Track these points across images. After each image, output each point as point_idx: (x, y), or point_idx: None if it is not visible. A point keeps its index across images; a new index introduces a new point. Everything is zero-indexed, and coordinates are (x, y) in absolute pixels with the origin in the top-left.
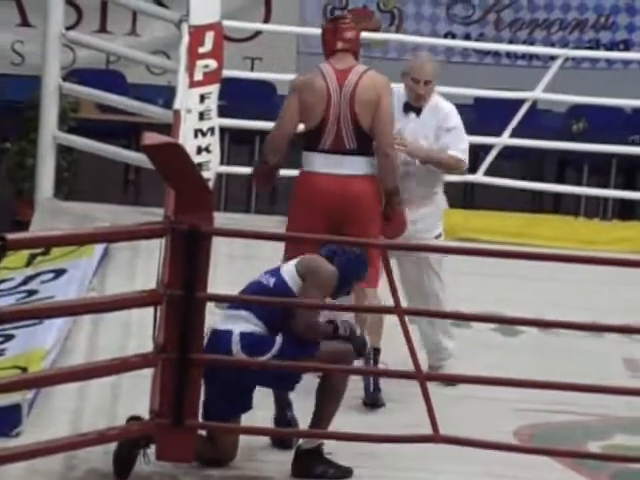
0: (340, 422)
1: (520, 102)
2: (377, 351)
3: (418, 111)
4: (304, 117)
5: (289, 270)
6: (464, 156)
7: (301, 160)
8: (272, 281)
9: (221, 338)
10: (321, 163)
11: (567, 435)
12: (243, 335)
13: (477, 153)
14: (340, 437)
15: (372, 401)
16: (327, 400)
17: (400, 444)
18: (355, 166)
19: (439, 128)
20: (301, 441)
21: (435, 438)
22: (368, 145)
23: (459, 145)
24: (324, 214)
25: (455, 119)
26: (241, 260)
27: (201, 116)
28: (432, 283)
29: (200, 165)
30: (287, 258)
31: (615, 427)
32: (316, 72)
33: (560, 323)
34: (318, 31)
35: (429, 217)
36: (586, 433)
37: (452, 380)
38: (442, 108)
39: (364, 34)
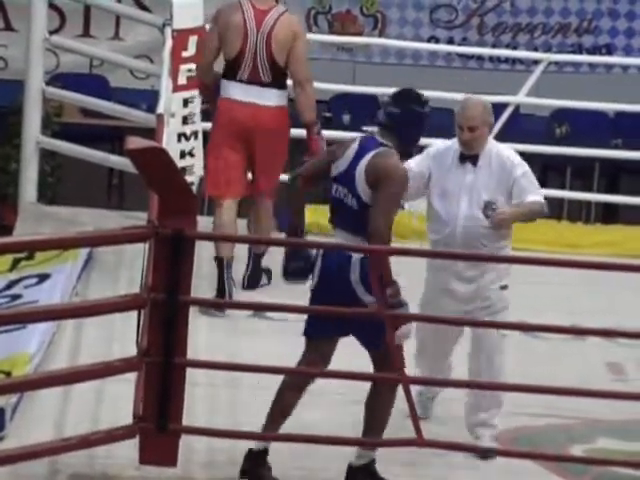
0: (324, 424)
1: (503, 106)
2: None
3: (474, 161)
4: (223, 48)
5: (360, 181)
6: (543, 199)
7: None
8: (351, 198)
9: (338, 259)
10: (238, 92)
11: (550, 439)
12: (365, 264)
13: None
14: (322, 440)
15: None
16: (379, 409)
17: (388, 449)
18: (269, 97)
19: (509, 179)
20: (352, 458)
21: (418, 442)
22: (283, 79)
23: (537, 188)
24: (239, 138)
25: (522, 163)
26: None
27: (185, 120)
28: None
29: (184, 169)
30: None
31: (598, 430)
32: (236, 7)
33: (543, 327)
34: None
35: (495, 268)
36: (569, 437)
37: (435, 384)
38: (505, 156)
39: (347, 38)
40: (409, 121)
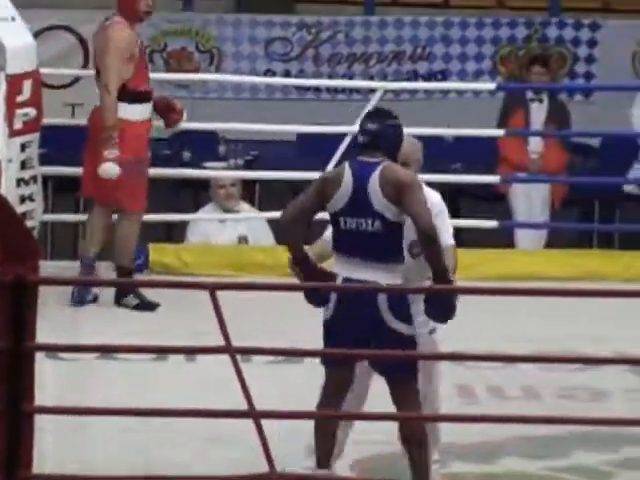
0: (166, 460)
1: (341, 136)
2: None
3: None
4: None
5: (379, 200)
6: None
7: None
8: (371, 223)
9: (364, 295)
10: None
11: (405, 466)
12: (390, 298)
13: (302, 189)
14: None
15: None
16: (416, 449)
17: None
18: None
19: None
20: None
21: (271, 476)
22: None
23: (449, 230)
24: None
25: (438, 204)
26: (70, 308)
27: (23, 165)
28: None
29: (24, 214)
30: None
31: (450, 454)
32: None
33: (391, 354)
34: None
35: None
36: None
37: (288, 418)
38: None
39: (183, 75)
40: (390, 134)
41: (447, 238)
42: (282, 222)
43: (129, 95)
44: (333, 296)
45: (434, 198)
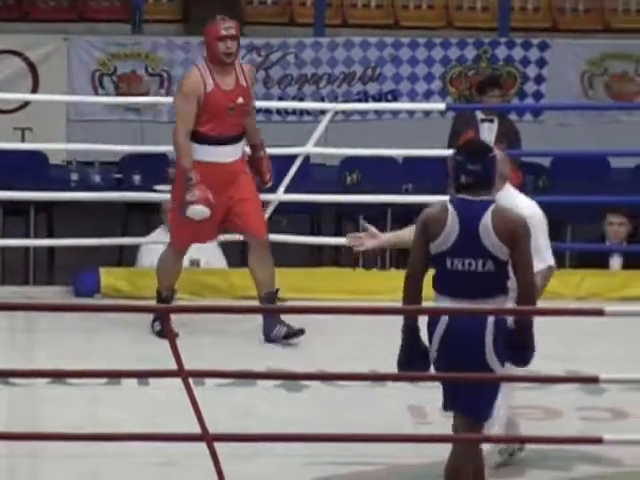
0: None
1: (293, 158)
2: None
3: None
4: None
5: (493, 243)
6: None
7: None
8: (482, 264)
9: (469, 324)
10: None
11: None
12: (498, 324)
13: None
14: None
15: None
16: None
17: None
18: None
19: None
20: None
21: None
22: None
23: (549, 247)
24: None
25: (539, 215)
26: (22, 333)
27: None
28: None
29: None
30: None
31: (405, 476)
32: None
33: (342, 375)
34: (87, 98)
35: None
36: None
37: (242, 440)
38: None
39: (134, 99)
40: (491, 171)
41: (548, 257)
42: (409, 289)
43: (193, 135)
44: (434, 344)
45: (531, 209)
